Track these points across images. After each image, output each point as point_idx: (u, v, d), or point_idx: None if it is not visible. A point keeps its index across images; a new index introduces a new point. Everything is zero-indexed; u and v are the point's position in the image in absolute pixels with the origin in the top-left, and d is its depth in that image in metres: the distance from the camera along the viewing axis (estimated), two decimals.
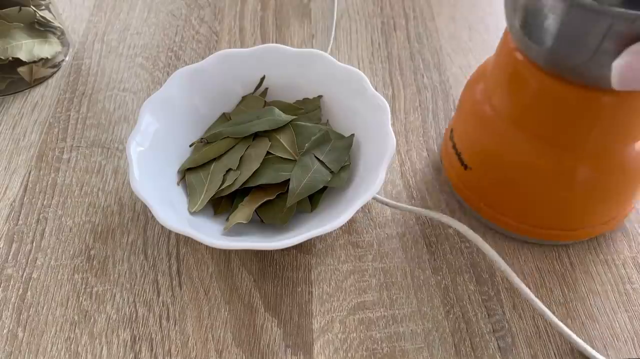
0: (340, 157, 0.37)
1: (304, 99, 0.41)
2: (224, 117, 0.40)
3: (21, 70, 0.45)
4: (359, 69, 0.48)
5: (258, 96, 0.41)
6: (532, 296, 0.32)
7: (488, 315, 0.34)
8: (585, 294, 0.35)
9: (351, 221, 0.38)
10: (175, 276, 0.36)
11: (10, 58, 0.44)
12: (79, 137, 0.44)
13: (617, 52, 0.25)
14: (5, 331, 0.34)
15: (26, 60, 0.45)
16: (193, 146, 0.39)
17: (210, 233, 0.34)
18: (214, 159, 0.38)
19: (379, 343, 0.33)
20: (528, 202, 0.34)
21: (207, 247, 0.37)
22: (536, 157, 0.32)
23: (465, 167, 0.37)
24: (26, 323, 0.34)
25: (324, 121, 0.40)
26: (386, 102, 0.36)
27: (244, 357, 0.32)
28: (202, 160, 0.38)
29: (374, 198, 0.38)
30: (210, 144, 0.38)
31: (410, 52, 0.50)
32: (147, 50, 0.50)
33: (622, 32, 0.24)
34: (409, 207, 0.36)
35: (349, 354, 0.32)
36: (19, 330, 0.34)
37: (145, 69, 0.49)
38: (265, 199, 0.35)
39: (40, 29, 0.46)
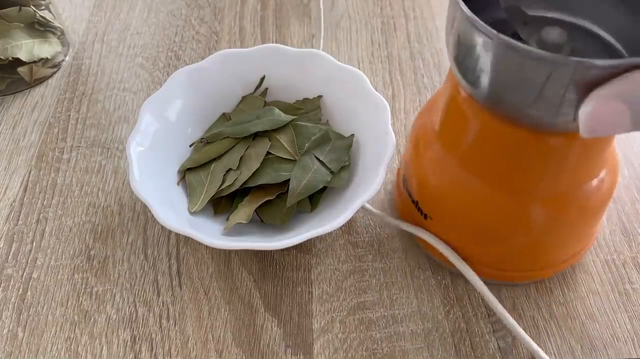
0: (341, 157, 0.37)
1: (304, 99, 0.41)
2: (224, 117, 0.40)
3: (21, 70, 0.45)
4: (359, 69, 0.48)
5: (258, 96, 0.41)
6: (510, 319, 0.32)
7: (488, 315, 0.34)
8: (585, 294, 0.35)
9: (351, 221, 0.38)
10: (175, 276, 0.36)
11: (10, 58, 0.44)
12: (79, 137, 0.44)
13: (573, 99, 0.23)
14: (5, 331, 0.34)
15: (26, 60, 0.45)
16: (193, 146, 0.39)
17: (210, 233, 0.34)
18: (214, 159, 0.38)
19: (379, 343, 0.33)
20: (491, 247, 0.32)
21: (207, 247, 0.37)
22: (492, 203, 0.30)
23: (425, 216, 0.34)
24: (26, 323, 0.34)
25: (324, 121, 0.40)
26: (386, 102, 0.36)
27: (244, 357, 0.32)
28: (202, 160, 0.38)
29: (362, 208, 0.37)
30: (210, 144, 0.38)
31: (410, 52, 0.50)
32: (147, 50, 0.50)
33: (570, 79, 0.22)
34: (392, 220, 0.36)
35: (349, 354, 0.32)
36: (19, 330, 0.34)
37: (145, 69, 0.49)
38: (265, 199, 0.35)
39: (40, 29, 0.46)
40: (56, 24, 0.48)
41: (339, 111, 0.39)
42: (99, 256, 0.37)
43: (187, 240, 0.37)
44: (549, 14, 0.30)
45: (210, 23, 0.53)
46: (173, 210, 0.34)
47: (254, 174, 0.36)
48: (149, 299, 0.35)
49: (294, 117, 0.39)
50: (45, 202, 0.40)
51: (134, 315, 0.34)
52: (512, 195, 0.29)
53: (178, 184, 0.37)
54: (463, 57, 0.26)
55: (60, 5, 0.55)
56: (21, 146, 0.43)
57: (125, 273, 0.36)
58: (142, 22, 0.53)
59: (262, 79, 0.40)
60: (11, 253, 0.37)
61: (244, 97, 0.41)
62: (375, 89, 0.46)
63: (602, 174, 0.30)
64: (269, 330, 0.33)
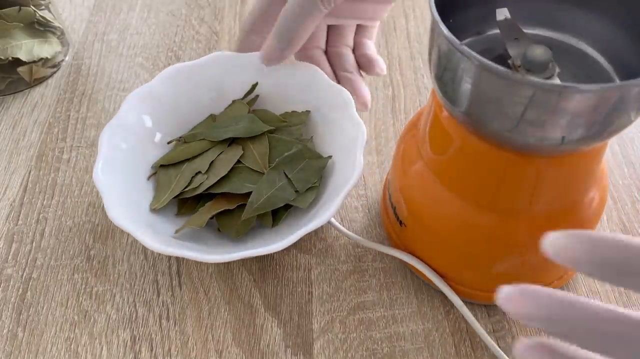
0: (310, 177, 0.35)
1: (292, 111, 0.39)
2: (211, 118, 0.40)
3: (21, 70, 0.45)
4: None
5: (244, 102, 0.40)
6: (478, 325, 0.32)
7: (488, 315, 0.34)
8: (586, 294, 0.35)
9: (351, 221, 0.38)
10: (175, 276, 0.36)
11: (10, 58, 0.44)
12: (79, 137, 0.44)
13: (542, 122, 0.23)
14: (5, 331, 0.34)
15: (26, 60, 0.45)
16: (172, 144, 0.39)
17: (162, 232, 0.33)
18: (187, 160, 0.37)
19: (379, 343, 0.33)
20: (475, 268, 0.32)
21: None
22: (477, 223, 0.29)
23: (401, 223, 0.34)
24: (26, 323, 0.34)
25: (308, 137, 0.39)
26: (364, 128, 0.35)
27: (243, 357, 0.32)
28: (176, 159, 0.37)
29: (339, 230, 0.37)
30: (188, 143, 0.38)
31: (410, 52, 0.50)
32: (147, 50, 0.50)
33: (547, 103, 0.22)
34: (362, 240, 0.35)
35: (349, 354, 0.32)
36: (19, 330, 0.34)
37: (145, 69, 0.49)
38: (224, 208, 0.35)
39: (40, 29, 0.46)
40: (56, 24, 0.48)
41: (324, 129, 0.38)
42: (99, 256, 0.37)
43: None
44: (539, 31, 0.30)
45: (210, 23, 0.53)
46: (130, 205, 0.33)
47: (220, 180, 0.36)
48: (148, 299, 0.35)
49: (272, 128, 0.38)
50: (45, 202, 0.40)
51: (134, 315, 0.34)
52: (497, 215, 0.29)
53: (149, 178, 0.37)
54: (443, 76, 0.25)
55: (60, 5, 0.55)
56: (21, 145, 0.43)
57: (125, 273, 0.36)
58: (142, 22, 0.53)
59: (254, 85, 0.40)
60: (11, 253, 0.37)
61: (233, 102, 0.40)
62: (376, 89, 0.46)
63: (591, 193, 0.30)
64: (269, 330, 0.33)
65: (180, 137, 0.39)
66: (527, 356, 0.20)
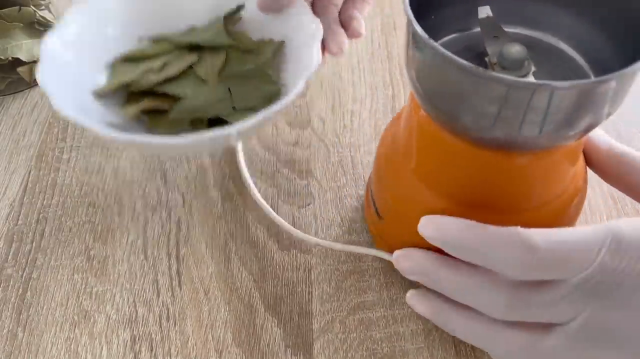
0: (255, 100, 0.35)
1: (269, 39, 0.38)
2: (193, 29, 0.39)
3: (21, 70, 0.45)
4: (359, 68, 0.48)
5: (223, 18, 0.39)
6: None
7: None
8: None
9: (351, 221, 0.38)
10: (175, 276, 0.36)
11: (10, 58, 0.44)
12: (79, 137, 0.44)
13: (518, 120, 0.23)
14: (5, 331, 0.34)
15: (26, 60, 0.45)
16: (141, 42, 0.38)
17: (96, 119, 0.32)
18: (147, 59, 0.37)
19: (379, 343, 0.33)
20: None
21: (207, 247, 0.37)
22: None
23: (379, 215, 0.34)
24: (26, 323, 0.34)
25: (277, 67, 0.38)
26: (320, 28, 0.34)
27: (243, 357, 0.32)
28: (138, 56, 0.37)
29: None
30: (156, 43, 0.38)
31: None
32: None
33: (521, 101, 0.22)
34: (339, 245, 0.35)
35: (349, 355, 0.32)
36: (19, 330, 0.34)
37: None
38: (158, 106, 0.34)
39: (40, 28, 0.46)
40: (56, 24, 0.48)
41: (292, 61, 0.37)
42: (99, 256, 0.37)
43: (187, 240, 0.37)
44: (520, 29, 0.30)
45: None
46: (73, 91, 0.33)
47: (167, 81, 0.35)
48: (148, 299, 0.35)
49: (234, 43, 0.37)
50: (45, 202, 0.40)
51: (134, 315, 0.34)
52: (474, 211, 0.28)
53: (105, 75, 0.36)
54: (417, 74, 0.25)
55: (60, 5, 0.55)
56: (21, 145, 0.43)
57: (125, 273, 0.36)
58: None
59: (240, 6, 0.39)
60: (11, 253, 0.37)
61: (223, 17, 0.39)
62: (376, 89, 0.46)
63: (571, 189, 0.29)
64: (269, 330, 0.33)
65: (150, 37, 0.38)
66: (412, 301, 0.30)
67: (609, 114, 0.24)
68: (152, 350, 0.33)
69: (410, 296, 0.30)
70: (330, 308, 0.34)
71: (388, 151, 0.32)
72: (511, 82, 0.21)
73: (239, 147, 0.38)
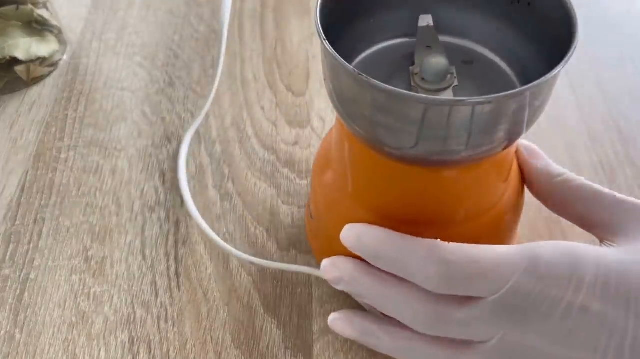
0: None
1: None
2: None
3: (18, 69, 0.45)
4: None
5: None
6: None
7: None
8: None
9: None
10: (173, 277, 0.36)
11: (8, 57, 0.44)
12: (77, 137, 0.43)
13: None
14: (2, 332, 0.33)
15: (23, 59, 0.45)
16: None
17: None
18: None
19: None
20: None
21: (206, 247, 0.37)
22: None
23: (311, 215, 0.33)
24: (23, 324, 0.34)
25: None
26: None
27: None
28: None
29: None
30: None
31: None
32: (145, 49, 0.50)
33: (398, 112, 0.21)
34: (268, 262, 0.35)
35: (349, 356, 0.32)
36: (16, 331, 0.33)
37: (143, 68, 0.48)
38: None
39: (38, 27, 0.46)
40: (54, 22, 0.47)
41: None
42: (97, 257, 0.37)
43: (186, 241, 0.37)
44: (459, 41, 0.29)
45: (209, 21, 0.52)
46: None
47: None
48: (147, 300, 0.35)
49: None
50: (42, 203, 0.39)
51: (132, 316, 0.34)
52: (404, 226, 0.27)
53: None
54: (335, 92, 0.24)
55: (58, 4, 0.54)
56: (18, 145, 0.43)
57: (123, 274, 0.36)
58: (141, 21, 0.53)
59: None
60: (8, 254, 0.37)
61: None
62: None
63: (502, 204, 0.29)
64: (268, 332, 0.33)
65: None
66: (334, 325, 0.29)
67: (530, 124, 0.23)
68: (150, 352, 0.32)
69: (333, 320, 0.29)
70: (331, 309, 0.34)
71: (321, 161, 0.32)
72: (405, 97, 0.20)
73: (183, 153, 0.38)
